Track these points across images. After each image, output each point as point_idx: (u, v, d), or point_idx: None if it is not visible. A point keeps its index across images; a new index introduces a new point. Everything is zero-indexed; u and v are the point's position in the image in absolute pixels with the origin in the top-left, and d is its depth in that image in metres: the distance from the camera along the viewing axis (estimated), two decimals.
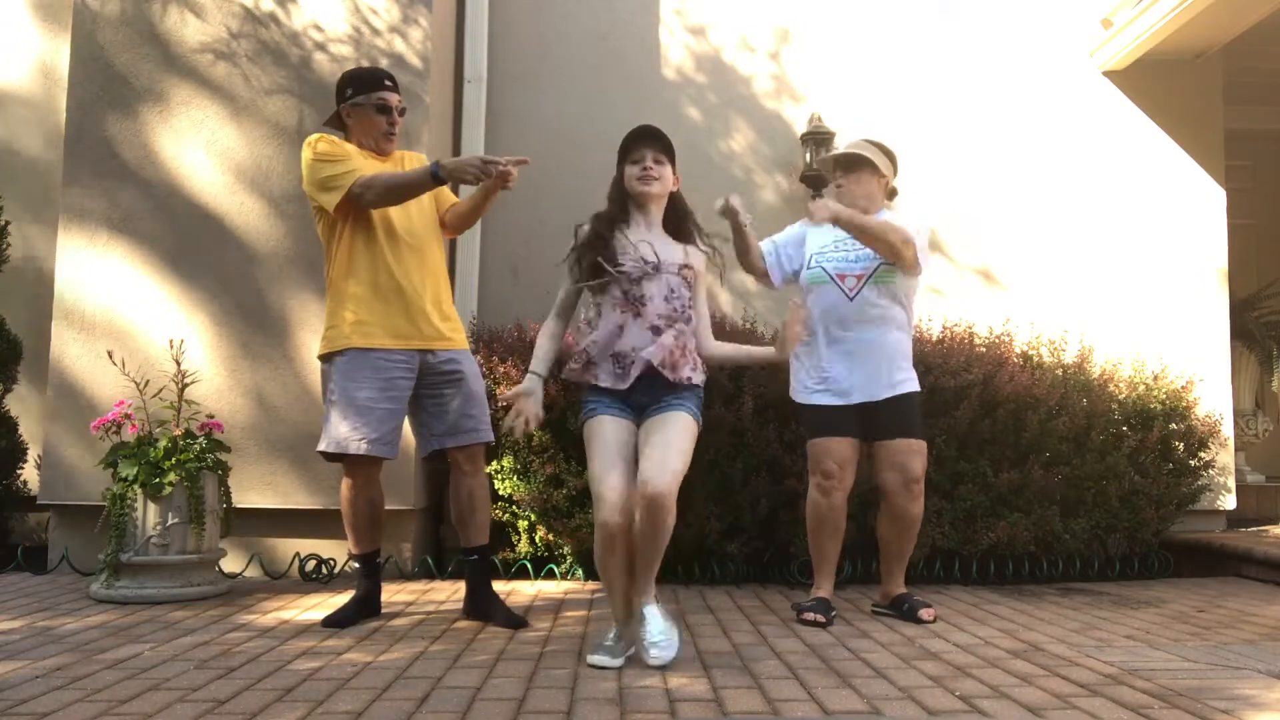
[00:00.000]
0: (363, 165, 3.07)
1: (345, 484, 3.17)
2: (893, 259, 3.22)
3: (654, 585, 2.75)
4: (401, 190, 3.02)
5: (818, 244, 3.37)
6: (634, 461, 2.70)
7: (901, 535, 3.35)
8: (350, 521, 3.21)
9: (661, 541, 2.65)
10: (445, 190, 3.20)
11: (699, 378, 2.82)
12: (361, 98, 3.14)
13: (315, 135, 3.15)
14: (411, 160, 3.28)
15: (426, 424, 3.18)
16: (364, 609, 3.17)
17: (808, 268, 3.36)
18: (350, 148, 3.14)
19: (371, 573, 3.24)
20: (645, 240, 2.82)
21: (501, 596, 3.26)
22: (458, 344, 3.20)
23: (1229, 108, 5.11)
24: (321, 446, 3.10)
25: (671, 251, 2.84)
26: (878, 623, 3.22)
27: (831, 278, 3.29)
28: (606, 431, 2.72)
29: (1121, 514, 4.18)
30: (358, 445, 3.02)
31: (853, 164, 3.36)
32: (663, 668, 2.56)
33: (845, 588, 3.81)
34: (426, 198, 3.17)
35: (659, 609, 2.69)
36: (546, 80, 4.96)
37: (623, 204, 2.87)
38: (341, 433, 3.03)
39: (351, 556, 3.31)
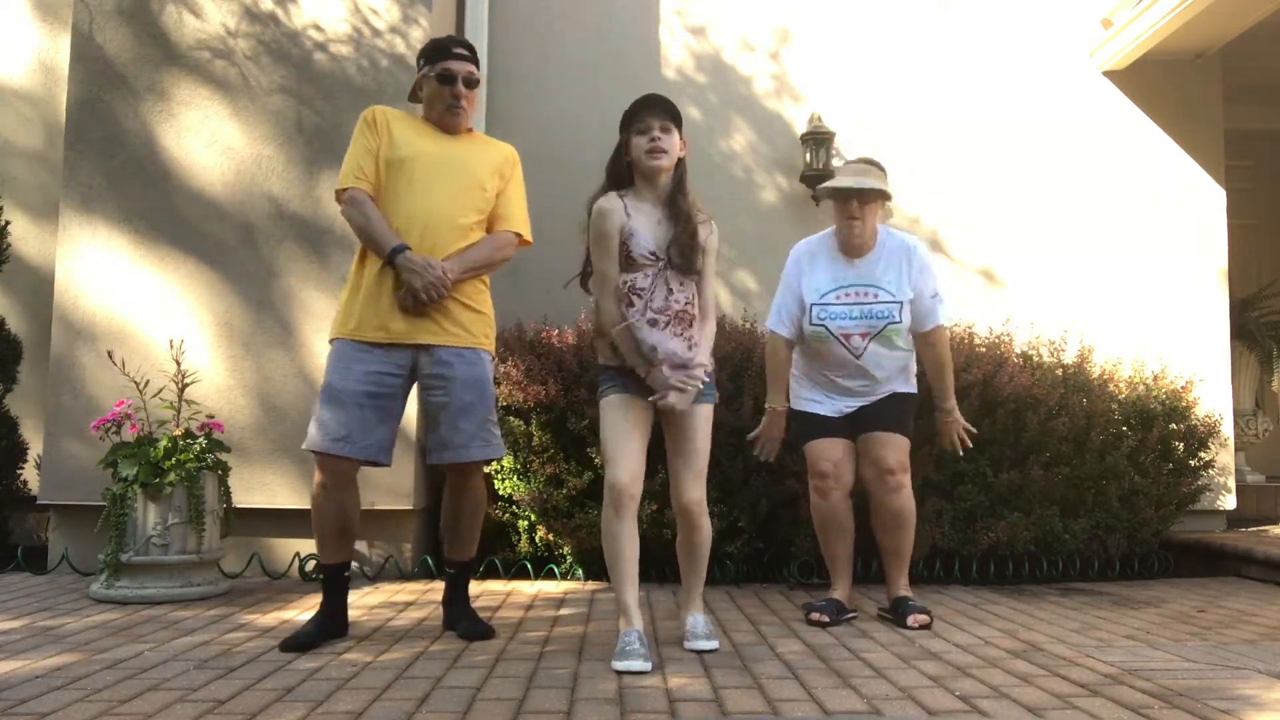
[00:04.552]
0: (403, 149, 2.87)
1: (315, 482, 2.86)
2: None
3: (701, 598, 2.91)
4: (360, 234, 2.86)
5: (815, 291, 3.25)
6: (649, 436, 2.76)
7: (887, 531, 3.28)
8: (316, 525, 2.87)
9: (703, 543, 2.82)
10: (503, 196, 2.99)
11: (708, 364, 2.78)
12: (428, 68, 2.94)
13: (368, 109, 2.98)
14: (485, 147, 3.03)
15: (429, 431, 2.94)
16: (327, 628, 2.86)
17: (810, 323, 3.23)
18: (399, 126, 2.93)
19: (337, 588, 2.91)
20: (654, 225, 2.72)
21: (503, 595, 3.24)
22: (459, 340, 2.86)
23: (1229, 108, 5.11)
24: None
25: (668, 232, 2.72)
26: (878, 623, 3.22)
27: (836, 337, 3.21)
28: (624, 407, 2.72)
29: (1121, 514, 4.17)
30: (318, 441, 2.79)
31: (868, 197, 3.20)
32: (700, 653, 2.73)
33: None
34: (469, 183, 2.90)
35: (706, 619, 2.87)
36: (546, 80, 4.96)
37: (627, 177, 2.78)
38: (311, 428, 2.83)
39: (317, 567, 3.00)
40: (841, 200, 3.22)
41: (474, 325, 2.91)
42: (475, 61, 2.99)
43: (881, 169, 3.30)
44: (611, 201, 2.73)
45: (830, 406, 3.32)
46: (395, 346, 2.83)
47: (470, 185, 2.91)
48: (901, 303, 3.20)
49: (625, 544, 2.68)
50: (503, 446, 3.00)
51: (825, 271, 3.27)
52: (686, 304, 2.72)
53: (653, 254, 2.70)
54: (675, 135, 2.76)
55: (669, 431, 2.80)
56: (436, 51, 2.95)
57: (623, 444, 2.68)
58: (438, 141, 2.95)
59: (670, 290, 2.70)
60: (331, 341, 2.90)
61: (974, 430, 3.40)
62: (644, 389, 2.71)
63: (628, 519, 2.67)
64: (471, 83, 2.96)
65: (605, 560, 2.76)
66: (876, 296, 3.21)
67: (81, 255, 4.03)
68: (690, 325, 2.72)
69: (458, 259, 2.84)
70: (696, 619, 2.85)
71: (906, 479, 3.24)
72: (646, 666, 2.52)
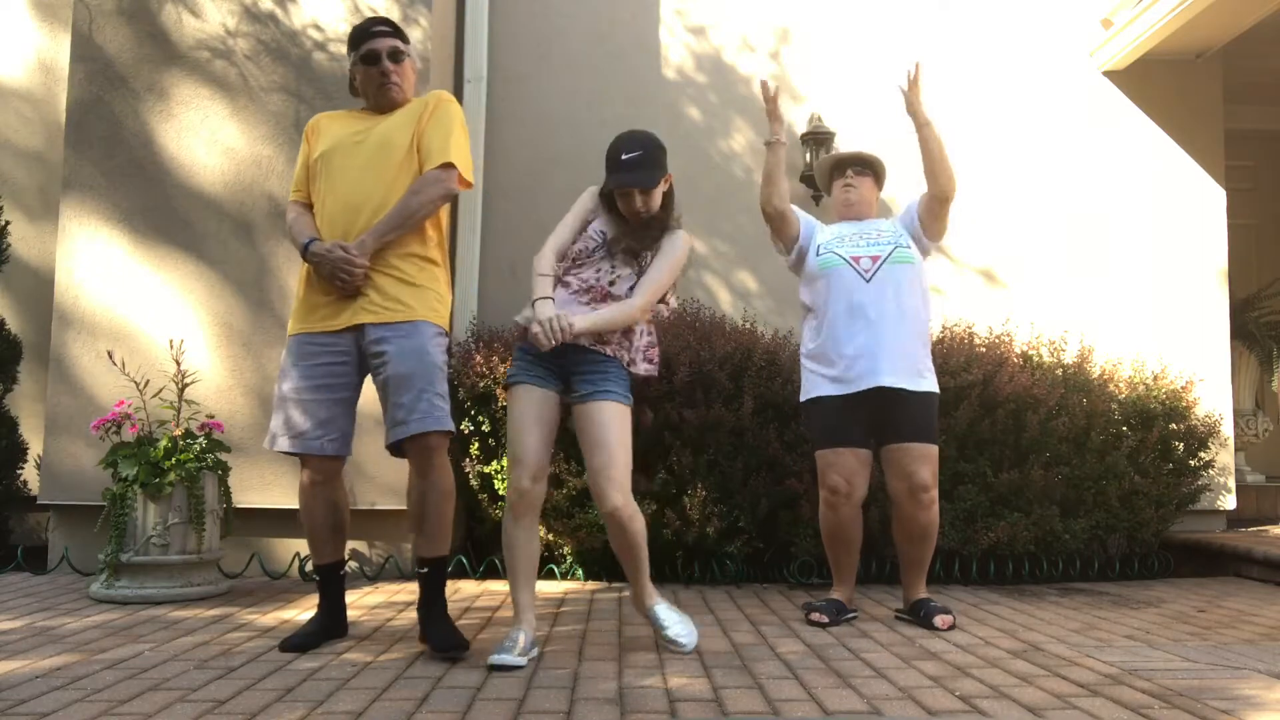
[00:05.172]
0: (337, 146, 2.85)
1: (301, 482, 2.85)
2: (943, 185, 3.22)
3: (653, 587, 2.84)
4: (292, 241, 2.92)
5: (826, 236, 3.34)
6: (553, 427, 2.74)
7: (914, 544, 3.23)
8: (306, 525, 2.85)
9: (637, 541, 2.72)
10: (422, 137, 2.85)
11: (584, 332, 2.68)
12: (353, 54, 2.92)
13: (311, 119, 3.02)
14: (407, 108, 2.91)
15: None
16: (327, 628, 2.86)
17: (817, 255, 3.28)
18: (330, 125, 2.94)
19: (334, 587, 2.89)
20: (619, 225, 2.81)
21: (503, 595, 3.21)
22: (395, 316, 2.74)
23: (1229, 108, 5.12)
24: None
25: (628, 230, 2.80)
26: (878, 623, 3.22)
27: (846, 260, 3.22)
28: (525, 399, 2.71)
29: (1121, 514, 4.18)
30: (281, 442, 2.77)
31: (866, 166, 3.43)
32: (685, 654, 2.71)
33: None
34: (377, 153, 2.82)
35: (665, 604, 2.82)
36: (546, 80, 4.96)
37: (610, 204, 2.83)
38: (272, 426, 2.81)
39: (314, 568, 2.95)
40: (839, 172, 3.42)
41: (413, 299, 2.77)
42: (400, 35, 2.94)
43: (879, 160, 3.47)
44: (594, 192, 2.88)
45: (840, 381, 3.17)
46: (335, 333, 2.77)
47: (379, 154, 2.82)
48: (904, 232, 3.30)
49: (521, 549, 2.68)
50: (450, 421, 2.76)
51: (837, 228, 3.39)
52: (612, 289, 2.74)
53: (601, 233, 2.78)
54: (656, 190, 2.79)
55: (583, 427, 2.70)
56: (357, 37, 2.92)
57: (523, 443, 2.67)
58: (357, 125, 2.90)
59: (601, 271, 2.75)
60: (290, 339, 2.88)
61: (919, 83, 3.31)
62: (549, 371, 2.72)
63: (526, 524, 2.68)
64: (397, 56, 2.89)
65: (506, 561, 2.73)
66: (880, 231, 3.31)
67: (81, 255, 4.03)
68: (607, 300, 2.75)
69: (371, 229, 2.75)
70: (657, 608, 2.79)
71: (936, 491, 3.19)
72: (519, 663, 2.53)
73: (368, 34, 2.90)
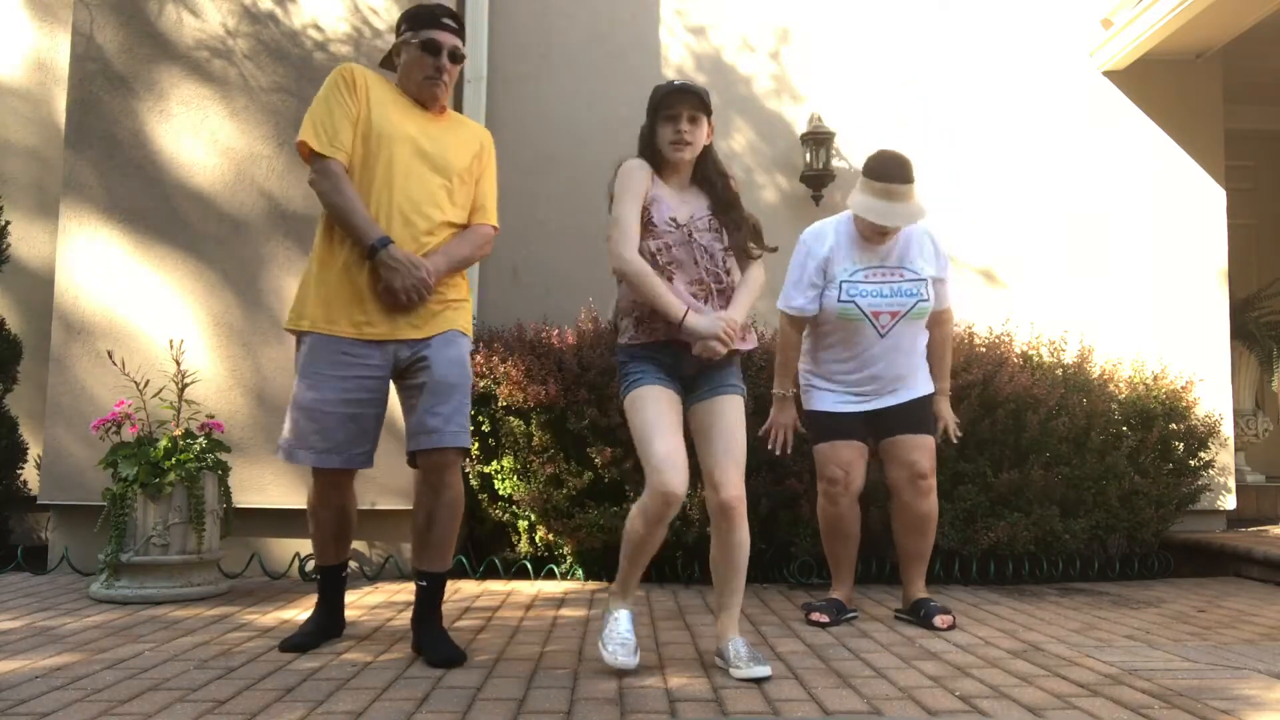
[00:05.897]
0: (379, 122, 2.67)
1: (311, 489, 2.78)
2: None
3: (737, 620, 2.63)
4: (338, 217, 2.64)
5: (845, 269, 3.20)
6: (684, 432, 2.58)
7: (914, 534, 3.26)
8: (315, 532, 2.82)
9: (746, 550, 2.57)
10: (481, 186, 2.83)
11: (750, 343, 2.66)
12: (410, 34, 2.72)
13: (344, 65, 2.75)
14: (462, 132, 2.83)
15: (406, 418, 2.73)
16: (325, 629, 2.85)
17: (839, 299, 3.18)
18: (377, 93, 2.72)
19: (335, 587, 2.89)
20: (678, 201, 2.64)
21: (503, 595, 3.21)
22: (435, 330, 2.68)
23: (1229, 108, 5.12)
24: (278, 452, 2.71)
25: (699, 204, 2.65)
26: (878, 623, 3.22)
27: (865, 315, 3.17)
28: (658, 399, 2.53)
29: (1121, 514, 4.17)
30: (305, 456, 2.64)
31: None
32: (758, 680, 2.44)
33: None
34: (449, 174, 2.73)
35: (745, 642, 2.56)
36: (546, 80, 4.96)
37: (653, 159, 2.67)
38: (288, 437, 2.66)
39: (315, 568, 2.94)
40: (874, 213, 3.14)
41: (451, 315, 2.74)
42: (462, 35, 2.79)
43: (911, 175, 3.11)
44: (641, 161, 2.65)
45: (843, 400, 3.26)
46: (376, 343, 2.66)
47: (438, 172, 2.72)
48: (926, 280, 3.21)
49: (653, 549, 2.57)
50: (470, 439, 2.74)
51: (848, 253, 3.24)
52: (728, 277, 2.64)
53: (673, 220, 2.60)
54: (703, 125, 2.63)
55: (705, 420, 2.60)
56: (421, 18, 2.74)
57: (672, 443, 2.46)
58: (419, 122, 2.74)
59: (698, 261, 2.60)
60: (300, 334, 2.69)
61: (959, 432, 3.42)
62: (672, 370, 2.58)
63: (664, 527, 2.52)
64: (457, 57, 2.76)
65: (624, 549, 2.57)
66: (903, 275, 3.21)
67: (81, 255, 4.02)
68: (721, 283, 2.63)
69: (443, 256, 2.68)
70: (739, 643, 2.54)
71: (934, 481, 3.23)
72: (633, 662, 2.49)
73: (436, 21, 2.73)
